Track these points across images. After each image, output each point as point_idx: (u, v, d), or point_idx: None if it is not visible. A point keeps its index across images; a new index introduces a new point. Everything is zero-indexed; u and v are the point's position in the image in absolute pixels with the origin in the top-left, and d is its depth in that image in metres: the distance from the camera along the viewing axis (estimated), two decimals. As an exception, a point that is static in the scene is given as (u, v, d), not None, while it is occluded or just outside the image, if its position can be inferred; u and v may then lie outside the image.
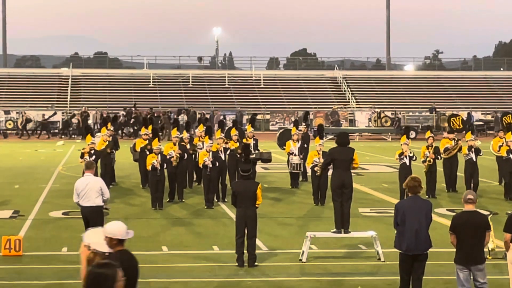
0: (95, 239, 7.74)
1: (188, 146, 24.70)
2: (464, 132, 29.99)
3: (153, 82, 69.26)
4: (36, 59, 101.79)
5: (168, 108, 61.79)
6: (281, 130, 38.67)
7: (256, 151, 26.21)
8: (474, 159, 24.22)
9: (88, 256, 7.48)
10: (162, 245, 17.02)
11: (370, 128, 58.47)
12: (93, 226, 15.07)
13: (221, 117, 47.04)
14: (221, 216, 21.03)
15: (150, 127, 26.33)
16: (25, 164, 35.26)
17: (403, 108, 63.90)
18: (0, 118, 59.56)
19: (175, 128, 25.91)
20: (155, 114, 57.24)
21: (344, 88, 69.82)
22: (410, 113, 60.66)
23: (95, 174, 22.59)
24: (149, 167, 22.24)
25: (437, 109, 60.45)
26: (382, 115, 58.38)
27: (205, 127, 25.74)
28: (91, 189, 15.02)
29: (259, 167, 30.11)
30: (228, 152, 23.96)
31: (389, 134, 55.63)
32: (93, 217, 15.07)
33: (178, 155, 23.46)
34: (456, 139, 25.69)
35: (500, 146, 25.29)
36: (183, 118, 53.54)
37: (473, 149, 24.24)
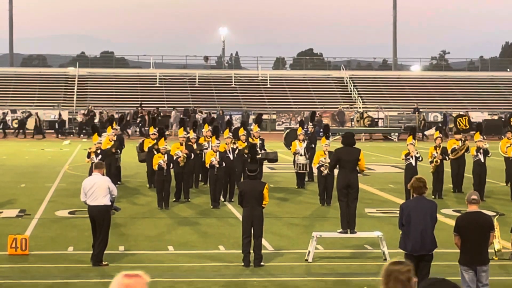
0: None
1: (194, 146, 24.72)
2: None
3: (159, 81, 69.29)
4: (43, 58, 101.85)
5: (175, 107, 61.85)
6: (287, 130, 38.66)
7: (262, 151, 26.23)
8: (483, 160, 24.12)
9: None
10: (168, 244, 17.03)
11: (373, 128, 58.23)
12: (99, 226, 15.14)
13: (227, 117, 47.08)
14: (227, 216, 21.03)
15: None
16: (31, 163, 35.32)
17: (408, 109, 63.82)
18: (6, 117, 59.60)
19: (182, 128, 25.92)
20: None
21: (351, 88, 69.76)
22: (392, 114, 60.55)
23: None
24: (155, 167, 22.26)
25: (421, 110, 60.29)
26: (365, 115, 58.25)
27: (211, 127, 25.75)
28: (99, 188, 15.05)
29: (266, 167, 30.10)
30: (236, 152, 23.96)
31: (395, 134, 55.56)
32: (100, 216, 15.10)
33: (185, 155, 23.47)
34: (463, 139, 25.63)
35: (508, 147, 25.27)
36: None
37: (481, 150, 24.14)
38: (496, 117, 60.83)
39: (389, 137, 55.13)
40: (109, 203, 15.26)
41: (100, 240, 15.06)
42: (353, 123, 59.59)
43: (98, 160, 22.31)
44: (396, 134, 54.90)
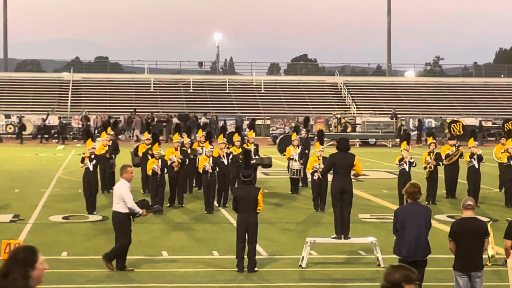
0: None
1: (189, 151, 24.71)
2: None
3: (153, 87, 69.29)
4: (37, 63, 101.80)
5: (169, 113, 61.83)
6: (281, 136, 38.64)
7: (257, 157, 26.23)
8: (477, 166, 24.16)
9: None
10: (162, 250, 17.01)
11: (367, 133, 58.17)
12: (115, 230, 15.31)
13: (222, 122, 47.10)
14: (221, 221, 21.02)
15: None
16: (26, 168, 35.26)
17: (403, 115, 63.90)
18: (0, 122, 59.50)
19: (177, 133, 25.90)
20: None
21: (345, 94, 69.84)
22: (371, 119, 60.53)
23: (95, 178, 22.69)
24: (149, 172, 22.24)
25: (398, 115, 60.34)
26: (343, 120, 58.20)
27: (204, 132, 25.74)
28: (114, 195, 15.33)
29: (260, 173, 30.10)
30: (230, 157, 23.94)
31: (390, 140, 55.63)
32: (113, 221, 15.44)
33: (179, 160, 23.46)
34: (457, 145, 25.69)
35: (502, 153, 25.30)
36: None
37: (475, 156, 24.17)
38: (477, 122, 60.93)
39: (382, 143, 55.20)
40: (120, 210, 15.18)
41: (115, 244, 15.21)
42: (331, 128, 59.32)
43: (93, 164, 22.33)
44: (374, 139, 54.99)
